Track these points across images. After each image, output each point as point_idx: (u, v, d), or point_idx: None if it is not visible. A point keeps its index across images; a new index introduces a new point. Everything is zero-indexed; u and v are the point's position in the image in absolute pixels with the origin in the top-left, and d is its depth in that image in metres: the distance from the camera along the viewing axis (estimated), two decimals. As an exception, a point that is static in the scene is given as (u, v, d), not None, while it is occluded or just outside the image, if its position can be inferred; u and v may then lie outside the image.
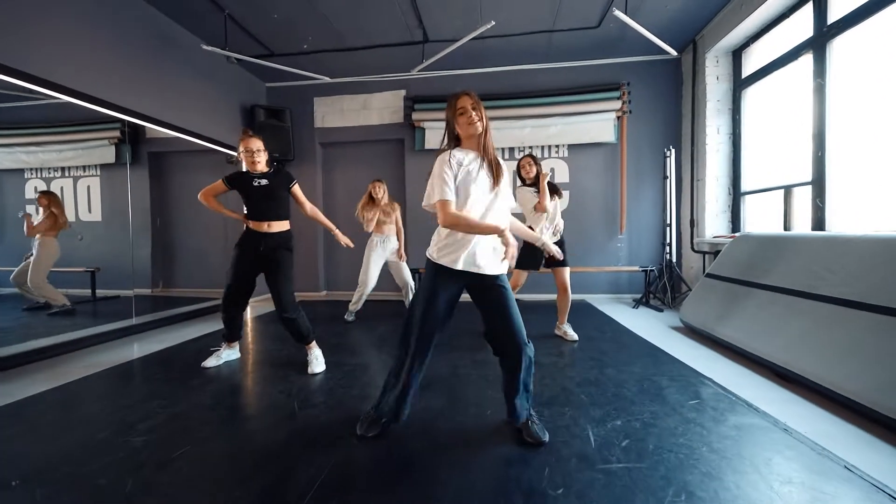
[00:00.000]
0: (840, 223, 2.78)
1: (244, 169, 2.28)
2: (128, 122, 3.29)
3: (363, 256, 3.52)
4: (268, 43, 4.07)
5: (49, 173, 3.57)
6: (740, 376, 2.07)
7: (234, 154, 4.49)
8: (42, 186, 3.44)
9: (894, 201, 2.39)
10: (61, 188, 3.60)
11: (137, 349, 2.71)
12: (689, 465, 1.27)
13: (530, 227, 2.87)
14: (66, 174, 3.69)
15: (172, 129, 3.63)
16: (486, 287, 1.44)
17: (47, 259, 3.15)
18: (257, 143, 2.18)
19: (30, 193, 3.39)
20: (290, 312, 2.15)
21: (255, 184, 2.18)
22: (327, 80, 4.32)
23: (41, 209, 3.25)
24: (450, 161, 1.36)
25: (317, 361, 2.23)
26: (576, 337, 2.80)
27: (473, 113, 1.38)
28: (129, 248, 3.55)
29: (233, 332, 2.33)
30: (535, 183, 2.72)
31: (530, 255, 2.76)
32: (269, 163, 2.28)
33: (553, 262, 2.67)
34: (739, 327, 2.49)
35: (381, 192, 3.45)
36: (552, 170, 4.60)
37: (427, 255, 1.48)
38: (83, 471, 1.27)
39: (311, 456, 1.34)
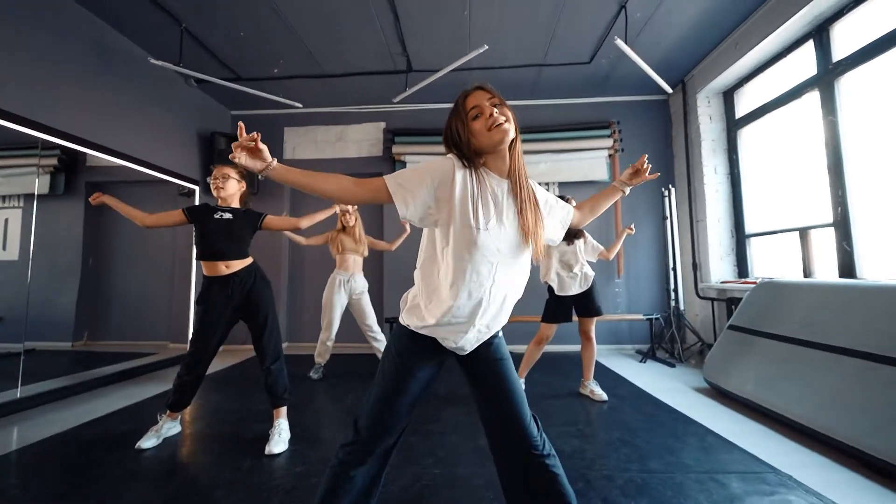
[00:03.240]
0: (871, 269, 2.51)
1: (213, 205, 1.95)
2: (64, 147, 2.76)
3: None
4: (234, 66, 3.68)
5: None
6: (827, 469, 1.59)
7: (188, 186, 3.95)
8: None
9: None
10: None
11: (21, 434, 1.96)
12: None
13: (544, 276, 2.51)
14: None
15: (117, 157, 3.10)
16: None
17: None
18: (224, 169, 1.88)
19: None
20: (270, 362, 1.85)
21: (216, 216, 1.85)
22: (300, 107, 3.94)
23: None
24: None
25: (279, 438, 1.78)
26: (605, 397, 2.42)
27: (496, 111, 0.94)
28: (52, 293, 2.91)
29: (181, 401, 1.87)
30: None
31: (558, 307, 2.43)
32: (242, 197, 1.97)
33: (582, 312, 2.44)
34: (792, 395, 2.05)
35: (353, 220, 3.02)
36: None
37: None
38: None
39: None
